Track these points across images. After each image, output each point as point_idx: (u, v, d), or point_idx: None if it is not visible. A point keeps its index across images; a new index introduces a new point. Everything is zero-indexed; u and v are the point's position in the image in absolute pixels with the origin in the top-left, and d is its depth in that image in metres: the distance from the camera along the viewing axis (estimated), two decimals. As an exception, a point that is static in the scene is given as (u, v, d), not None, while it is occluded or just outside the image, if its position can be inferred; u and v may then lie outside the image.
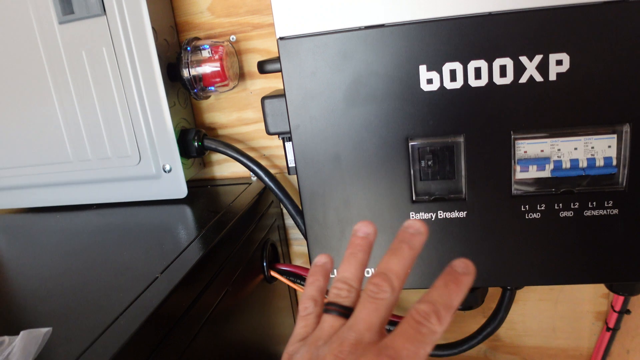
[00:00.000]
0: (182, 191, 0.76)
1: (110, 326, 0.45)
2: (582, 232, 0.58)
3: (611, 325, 0.72)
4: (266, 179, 0.72)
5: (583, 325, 0.81)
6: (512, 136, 0.56)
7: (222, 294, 0.61)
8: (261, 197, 0.76)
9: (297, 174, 0.60)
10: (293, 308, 0.86)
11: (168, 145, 0.74)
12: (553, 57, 0.53)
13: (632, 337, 0.78)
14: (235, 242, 0.66)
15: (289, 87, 0.58)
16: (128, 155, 0.76)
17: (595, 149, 0.57)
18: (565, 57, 0.53)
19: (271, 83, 0.81)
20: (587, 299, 0.79)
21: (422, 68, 0.54)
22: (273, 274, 0.70)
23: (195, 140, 0.76)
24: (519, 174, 0.58)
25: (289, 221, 0.87)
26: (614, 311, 0.70)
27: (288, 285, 0.74)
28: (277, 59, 0.58)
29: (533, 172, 0.58)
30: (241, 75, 0.81)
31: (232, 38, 0.80)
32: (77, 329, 0.45)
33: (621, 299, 0.69)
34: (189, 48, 0.76)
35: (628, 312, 0.70)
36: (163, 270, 0.53)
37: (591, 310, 0.80)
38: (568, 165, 0.57)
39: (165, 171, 0.75)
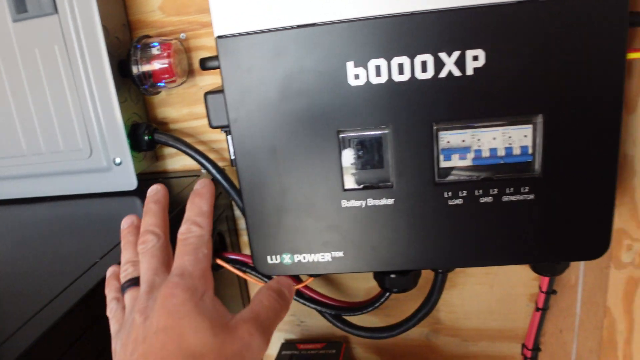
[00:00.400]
0: (132, 184, 0.78)
1: (45, 307, 0.47)
2: (502, 216, 0.62)
3: (540, 305, 0.77)
4: (213, 170, 0.75)
5: (518, 307, 0.85)
6: (434, 127, 0.60)
7: (166, 280, 0.64)
8: (209, 189, 0.79)
9: (236, 165, 0.64)
10: (242, 296, 0.89)
11: (118, 139, 0.77)
12: (470, 53, 0.57)
13: (564, 317, 0.82)
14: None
15: (227, 83, 0.61)
16: (79, 148, 0.78)
17: (512, 139, 0.61)
18: (481, 53, 0.57)
19: (220, 79, 0.83)
20: (521, 282, 0.84)
21: (350, 64, 0.58)
22: (219, 261, 0.73)
23: (146, 134, 0.79)
24: (443, 163, 0.62)
25: (238, 212, 0.90)
26: (542, 292, 0.75)
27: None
28: (217, 56, 0.61)
29: (455, 161, 0.62)
30: (191, 72, 0.84)
31: (182, 36, 0.83)
32: (11, 311, 0.48)
33: (546, 279, 0.73)
34: (138, 46, 0.78)
35: (554, 292, 0.75)
36: (103, 255, 0.56)
37: (525, 293, 0.84)
38: (488, 154, 0.61)
39: (115, 164, 0.78)
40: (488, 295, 0.85)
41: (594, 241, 0.64)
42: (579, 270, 0.80)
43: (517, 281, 0.83)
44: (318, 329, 0.97)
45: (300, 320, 0.98)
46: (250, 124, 0.62)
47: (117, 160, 0.78)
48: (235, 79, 0.60)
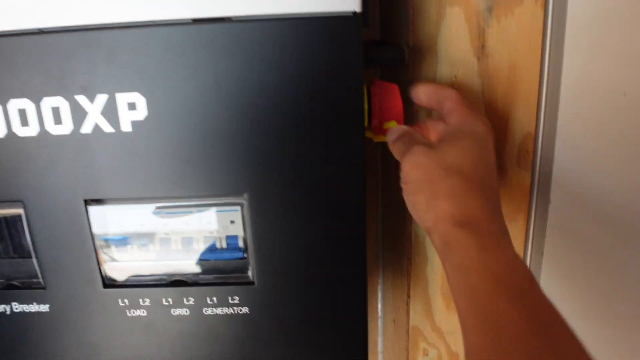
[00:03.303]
0: None
1: None
2: (205, 334, 0.42)
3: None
4: None
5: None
6: (90, 206, 0.39)
7: None
8: None
9: None
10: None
11: None
12: (122, 98, 0.36)
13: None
14: None
15: None
16: None
17: (213, 225, 0.40)
18: (139, 99, 0.36)
19: None
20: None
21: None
22: None
23: None
24: (116, 255, 0.41)
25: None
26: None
27: None
28: None
29: (134, 253, 0.41)
30: None
31: None
32: None
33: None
34: None
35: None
36: None
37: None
38: (179, 246, 0.41)
39: None
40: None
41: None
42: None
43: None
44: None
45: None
46: None
47: None
48: None
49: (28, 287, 0.42)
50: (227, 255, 0.41)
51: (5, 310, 0.42)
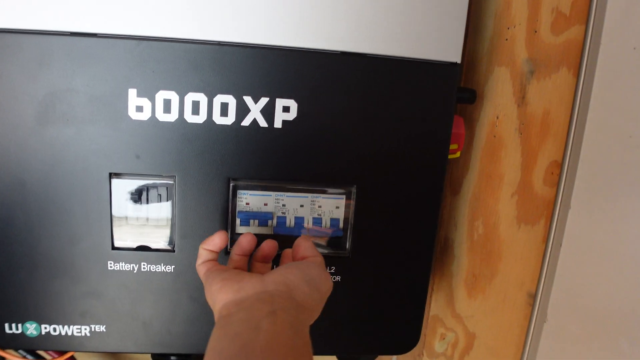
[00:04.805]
0: None
1: None
2: (302, 299, 0.52)
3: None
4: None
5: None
6: (232, 184, 0.49)
7: None
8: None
9: (-31, 198, 0.48)
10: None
11: None
12: (280, 102, 0.47)
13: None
14: None
15: (-32, 90, 0.45)
16: None
17: (322, 209, 0.52)
18: (293, 105, 0.47)
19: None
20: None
21: (132, 92, 0.46)
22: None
23: None
24: (239, 228, 0.51)
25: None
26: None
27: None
28: (-42, 54, 0.46)
29: (255, 227, 0.51)
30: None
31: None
32: None
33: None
34: None
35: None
36: None
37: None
38: (292, 224, 0.52)
39: None
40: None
41: (404, 333, 0.56)
42: (391, 357, 0.73)
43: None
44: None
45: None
46: (-6, 149, 0.46)
47: None
48: (-22, 87, 0.45)
49: (157, 250, 0.50)
50: (329, 233, 0.52)
51: (133, 269, 0.50)
